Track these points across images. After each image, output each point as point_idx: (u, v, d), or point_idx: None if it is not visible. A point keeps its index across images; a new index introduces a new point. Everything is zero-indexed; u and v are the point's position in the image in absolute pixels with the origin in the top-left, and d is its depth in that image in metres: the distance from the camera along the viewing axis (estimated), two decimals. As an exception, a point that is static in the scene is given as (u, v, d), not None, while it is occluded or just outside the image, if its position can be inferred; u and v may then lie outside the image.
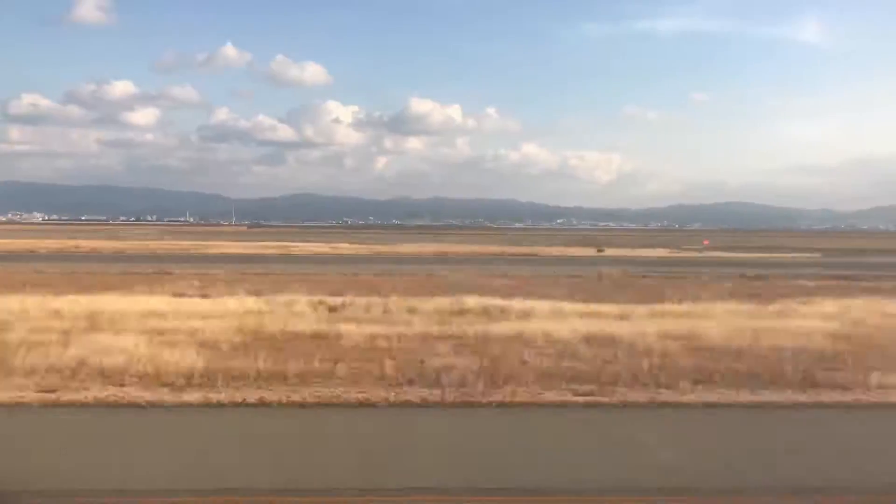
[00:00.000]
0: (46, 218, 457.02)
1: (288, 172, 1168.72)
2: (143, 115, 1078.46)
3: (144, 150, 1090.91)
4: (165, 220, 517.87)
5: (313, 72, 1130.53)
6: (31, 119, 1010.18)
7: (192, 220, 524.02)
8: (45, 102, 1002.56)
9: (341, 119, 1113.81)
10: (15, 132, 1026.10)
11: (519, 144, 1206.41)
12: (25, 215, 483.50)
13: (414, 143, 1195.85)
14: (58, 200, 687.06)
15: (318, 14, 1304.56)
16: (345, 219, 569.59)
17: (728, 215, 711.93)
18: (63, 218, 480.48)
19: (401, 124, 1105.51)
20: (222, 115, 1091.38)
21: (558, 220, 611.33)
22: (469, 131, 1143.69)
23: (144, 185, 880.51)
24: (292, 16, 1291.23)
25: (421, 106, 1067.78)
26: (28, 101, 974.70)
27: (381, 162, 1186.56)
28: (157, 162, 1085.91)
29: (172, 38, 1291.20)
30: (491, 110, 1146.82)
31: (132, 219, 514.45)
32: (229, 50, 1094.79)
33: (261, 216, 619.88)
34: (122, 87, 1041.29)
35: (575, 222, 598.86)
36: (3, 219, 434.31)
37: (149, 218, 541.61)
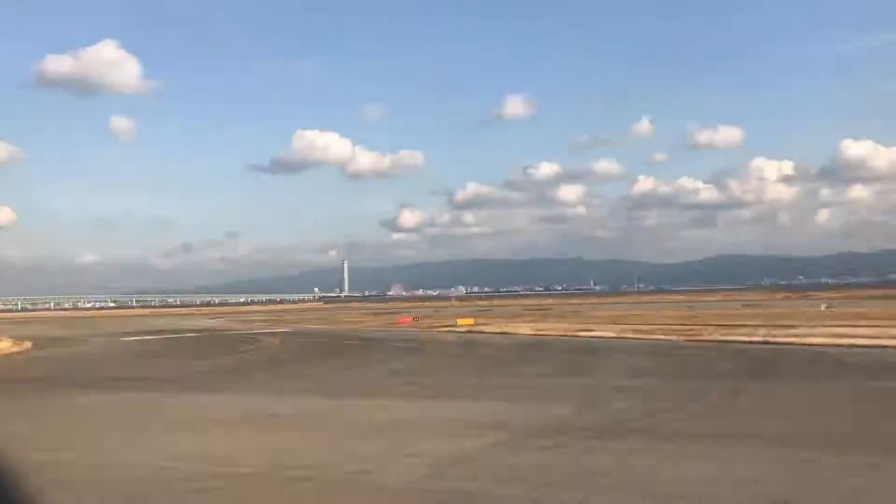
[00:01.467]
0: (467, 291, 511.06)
1: (714, 234, 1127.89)
2: (569, 191, 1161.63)
3: (573, 224, 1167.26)
4: (573, 287, 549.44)
5: (727, 134, 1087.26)
6: (477, 204, 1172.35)
7: (597, 287, 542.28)
8: (485, 189, 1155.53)
9: (766, 175, 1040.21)
10: (467, 216, 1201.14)
11: None
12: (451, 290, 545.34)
13: (857, 192, 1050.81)
14: (493, 273, 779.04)
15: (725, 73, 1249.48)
16: (766, 279, 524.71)
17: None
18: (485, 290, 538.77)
19: (837, 172, 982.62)
20: (643, 183, 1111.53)
21: None
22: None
23: (570, 255, 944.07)
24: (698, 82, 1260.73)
25: (857, 149, 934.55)
26: (472, 189, 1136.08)
27: (818, 215, 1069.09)
28: (583, 233, 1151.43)
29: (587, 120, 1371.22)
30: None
31: (554, 287, 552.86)
32: (643, 125, 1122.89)
33: (681, 280, 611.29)
34: (548, 168, 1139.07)
35: None
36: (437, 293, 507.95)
37: (558, 287, 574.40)
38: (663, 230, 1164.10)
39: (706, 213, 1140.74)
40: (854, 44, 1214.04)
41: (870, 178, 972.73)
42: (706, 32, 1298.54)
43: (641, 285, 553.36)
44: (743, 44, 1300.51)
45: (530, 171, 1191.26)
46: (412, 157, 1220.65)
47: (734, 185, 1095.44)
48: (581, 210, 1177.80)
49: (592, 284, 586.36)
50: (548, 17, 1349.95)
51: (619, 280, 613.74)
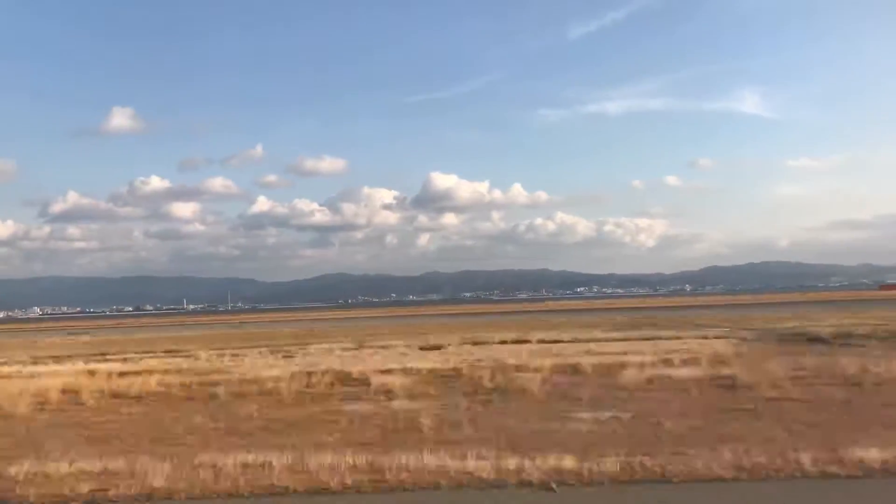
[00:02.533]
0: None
1: (326, 255, 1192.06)
2: (183, 208, 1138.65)
3: (188, 241, 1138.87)
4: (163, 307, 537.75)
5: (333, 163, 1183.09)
6: (79, 217, 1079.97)
7: (190, 307, 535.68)
8: (88, 202, 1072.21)
9: (375, 202, 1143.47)
10: (62, 230, 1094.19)
11: (553, 214, 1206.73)
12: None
13: (448, 219, 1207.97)
14: (94, 294, 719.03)
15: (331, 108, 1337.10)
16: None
17: (760, 275, 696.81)
18: (85, 311, 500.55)
19: (430, 202, 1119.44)
20: (260, 203, 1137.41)
21: (578, 289, 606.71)
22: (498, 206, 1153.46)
23: (181, 274, 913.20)
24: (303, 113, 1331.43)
25: (444, 181, 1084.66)
26: (74, 200, 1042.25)
27: (414, 239, 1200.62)
28: (199, 251, 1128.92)
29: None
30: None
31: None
32: (256, 151, 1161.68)
33: (291, 299, 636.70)
34: (158, 183, 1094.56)
35: (596, 290, 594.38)
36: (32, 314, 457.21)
37: (149, 308, 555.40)
38: (280, 249, 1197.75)
39: (320, 235, 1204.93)
40: (451, 90, 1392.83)
41: (455, 207, 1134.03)
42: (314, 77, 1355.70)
43: (239, 304, 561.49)
44: (342, 87, 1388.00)
45: (140, 185, 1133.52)
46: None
47: (346, 209, 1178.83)
48: (196, 227, 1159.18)
49: (185, 304, 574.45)
50: (160, 38, 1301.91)
51: (223, 299, 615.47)
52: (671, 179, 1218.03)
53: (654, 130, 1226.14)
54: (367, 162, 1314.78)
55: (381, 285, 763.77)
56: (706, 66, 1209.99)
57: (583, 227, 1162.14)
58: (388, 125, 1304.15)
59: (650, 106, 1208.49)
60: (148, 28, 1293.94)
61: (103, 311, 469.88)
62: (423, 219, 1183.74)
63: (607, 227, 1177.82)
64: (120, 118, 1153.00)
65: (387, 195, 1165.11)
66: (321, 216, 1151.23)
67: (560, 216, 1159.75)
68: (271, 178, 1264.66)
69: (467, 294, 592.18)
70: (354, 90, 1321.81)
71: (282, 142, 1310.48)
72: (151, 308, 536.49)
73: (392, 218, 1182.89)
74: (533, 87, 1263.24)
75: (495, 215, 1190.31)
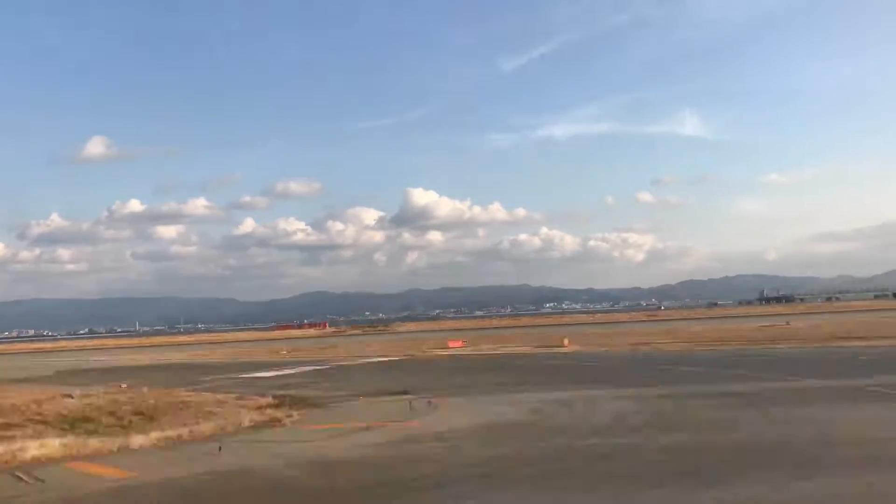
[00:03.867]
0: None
1: (308, 274, 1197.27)
2: (167, 230, 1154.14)
3: (173, 262, 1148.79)
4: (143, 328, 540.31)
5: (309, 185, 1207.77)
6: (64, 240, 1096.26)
7: (144, 329, 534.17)
8: (70, 225, 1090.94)
9: (355, 221, 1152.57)
10: (46, 253, 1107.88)
11: (537, 230, 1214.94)
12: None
13: (431, 236, 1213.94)
14: (77, 315, 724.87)
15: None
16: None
17: (736, 289, 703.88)
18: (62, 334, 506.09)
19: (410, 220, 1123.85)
20: (244, 225, 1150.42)
21: (547, 305, 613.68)
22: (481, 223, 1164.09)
23: (165, 295, 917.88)
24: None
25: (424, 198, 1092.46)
26: (57, 224, 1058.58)
27: (396, 257, 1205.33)
28: (184, 272, 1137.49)
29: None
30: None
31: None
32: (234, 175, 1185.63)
33: (267, 318, 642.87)
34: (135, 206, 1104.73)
35: (566, 306, 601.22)
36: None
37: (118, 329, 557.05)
38: (261, 269, 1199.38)
39: (302, 254, 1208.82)
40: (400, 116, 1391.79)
41: (437, 224, 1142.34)
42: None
43: (189, 325, 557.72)
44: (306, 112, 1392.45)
45: (120, 207, 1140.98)
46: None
47: (328, 229, 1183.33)
48: (181, 248, 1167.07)
49: (137, 326, 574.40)
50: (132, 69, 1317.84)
51: (203, 318, 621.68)
52: (643, 196, 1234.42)
53: (605, 152, 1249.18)
54: (341, 183, 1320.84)
55: (360, 303, 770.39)
56: (642, 92, 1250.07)
57: (566, 242, 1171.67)
58: (351, 148, 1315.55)
59: (595, 130, 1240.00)
60: (120, 61, 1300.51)
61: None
62: (406, 236, 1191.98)
63: (591, 243, 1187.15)
64: (96, 146, 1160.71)
65: (366, 214, 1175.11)
66: (303, 235, 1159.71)
67: (544, 231, 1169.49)
68: (248, 199, 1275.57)
69: (437, 311, 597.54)
70: (317, 115, 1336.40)
71: (256, 165, 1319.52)
72: (119, 329, 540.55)
73: (375, 236, 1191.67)
74: (478, 114, 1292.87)
75: (479, 231, 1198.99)
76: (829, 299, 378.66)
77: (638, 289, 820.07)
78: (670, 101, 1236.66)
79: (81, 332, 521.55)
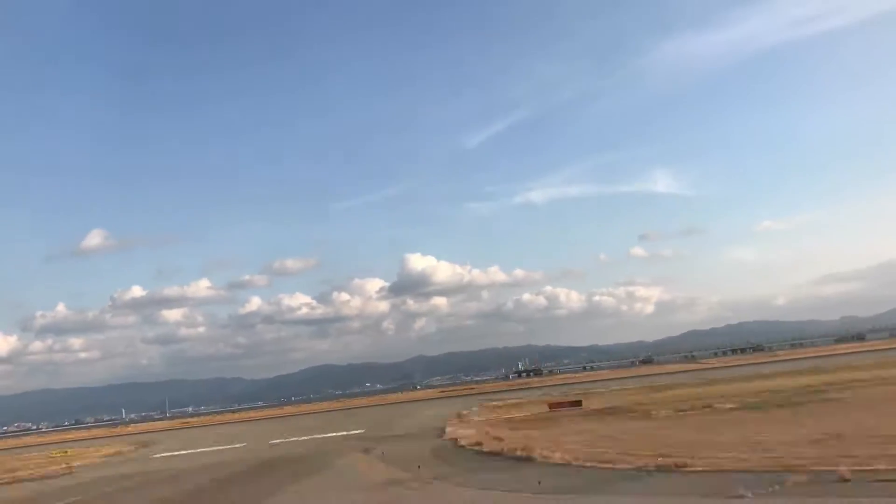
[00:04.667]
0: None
1: (314, 349, 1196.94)
2: (172, 314, 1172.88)
3: (178, 345, 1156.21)
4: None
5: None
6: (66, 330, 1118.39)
7: (130, 416, 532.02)
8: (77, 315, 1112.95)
9: (360, 293, 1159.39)
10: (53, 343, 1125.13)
11: (541, 289, 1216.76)
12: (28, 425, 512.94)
13: (434, 302, 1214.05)
14: (79, 404, 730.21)
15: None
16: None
17: (737, 336, 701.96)
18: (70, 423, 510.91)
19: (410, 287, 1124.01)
20: (251, 303, 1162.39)
21: (547, 364, 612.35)
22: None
23: (171, 378, 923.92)
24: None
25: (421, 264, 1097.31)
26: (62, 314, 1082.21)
27: (397, 325, 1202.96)
28: (189, 354, 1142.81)
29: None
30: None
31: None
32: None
33: (275, 394, 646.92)
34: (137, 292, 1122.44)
35: (567, 362, 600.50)
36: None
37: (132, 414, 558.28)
38: (266, 345, 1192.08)
39: (308, 329, 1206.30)
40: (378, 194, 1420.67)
41: (437, 291, 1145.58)
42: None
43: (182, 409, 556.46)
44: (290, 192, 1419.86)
45: (122, 295, 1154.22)
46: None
47: (332, 302, 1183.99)
48: (186, 331, 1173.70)
49: (124, 414, 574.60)
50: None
51: (207, 400, 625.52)
52: (636, 251, 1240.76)
53: (585, 213, 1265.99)
54: (334, 258, 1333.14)
55: (363, 374, 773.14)
56: (606, 156, 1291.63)
57: (572, 298, 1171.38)
58: (340, 225, 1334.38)
59: (570, 193, 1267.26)
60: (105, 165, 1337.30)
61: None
62: (409, 303, 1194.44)
63: (595, 298, 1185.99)
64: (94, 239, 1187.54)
65: (368, 285, 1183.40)
66: (307, 310, 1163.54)
67: (548, 289, 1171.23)
68: (248, 277, 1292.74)
69: (437, 378, 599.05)
70: (298, 196, 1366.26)
71: (252, 245, 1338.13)
72: (107, 418, 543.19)
73: (380, 306, 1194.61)
74: (452, 186, 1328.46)
75: (483, 294, 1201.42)
76: (584, 368, 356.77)
77: (642, 342, 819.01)
78: (638, 161, 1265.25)
79: (78, 421, 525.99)
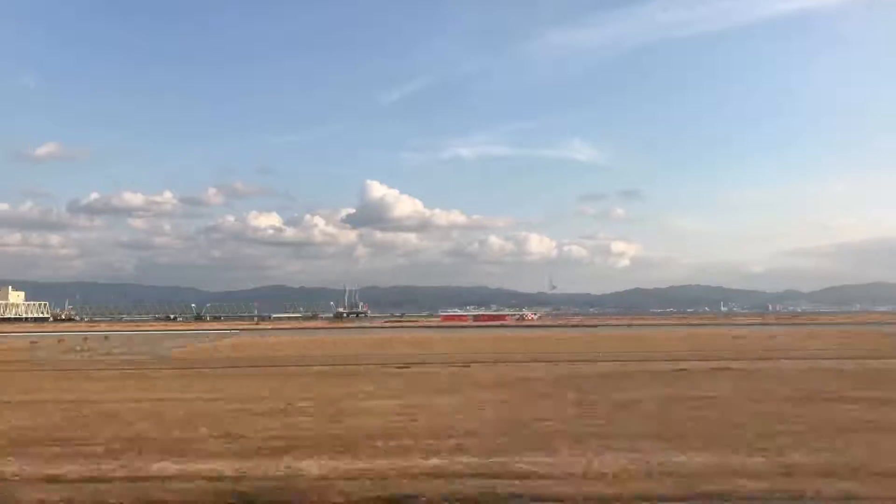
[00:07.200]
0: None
1: (271, 269, 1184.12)
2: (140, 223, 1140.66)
3: (146, 252, 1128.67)
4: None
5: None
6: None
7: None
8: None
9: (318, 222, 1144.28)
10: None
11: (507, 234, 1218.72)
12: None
13: (394, 236, 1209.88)
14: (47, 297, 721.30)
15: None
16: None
17: (677, 299, 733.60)
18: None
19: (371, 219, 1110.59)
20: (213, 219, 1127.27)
21: (469, 307, 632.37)
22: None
23: (125, 282, 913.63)
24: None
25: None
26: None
27: (359, 254, 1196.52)
28: (154, 262, 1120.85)
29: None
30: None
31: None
32: None
33: (224, 309, 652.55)
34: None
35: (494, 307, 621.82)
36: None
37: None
38: (226, 261, 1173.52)
39: (269, 249, 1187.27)
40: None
41: (398, 225, 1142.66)
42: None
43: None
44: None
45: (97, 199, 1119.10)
46: None
47: (294, 226, 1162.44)
48: (153, 239, 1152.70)
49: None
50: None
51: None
52: (586, 209, 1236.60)
53: (516, 169, 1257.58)
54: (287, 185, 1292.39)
55: (315, 297, 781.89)
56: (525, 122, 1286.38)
57: (533, 244, 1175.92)
58: (290, 157, 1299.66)
59: (497, 152, 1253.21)
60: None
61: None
62: (366, 235, 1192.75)
63: (565, 248, 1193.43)
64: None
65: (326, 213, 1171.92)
66: (272, 233, 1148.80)
67: (513, 234, 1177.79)
68: (212, 192, 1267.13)
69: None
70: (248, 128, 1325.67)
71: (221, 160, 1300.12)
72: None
73: (340, 235, 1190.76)
74: (379, 137, 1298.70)
75: (451, 234, 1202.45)
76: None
77: (588, 295, 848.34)
78: (555, 131, 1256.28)
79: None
